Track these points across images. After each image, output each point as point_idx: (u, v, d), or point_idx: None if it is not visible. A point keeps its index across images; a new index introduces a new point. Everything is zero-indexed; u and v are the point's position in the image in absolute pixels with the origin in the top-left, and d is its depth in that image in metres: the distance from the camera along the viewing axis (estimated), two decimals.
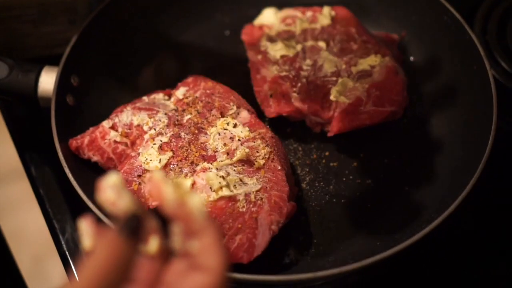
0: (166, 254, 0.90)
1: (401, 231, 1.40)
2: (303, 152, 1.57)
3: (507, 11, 1.83)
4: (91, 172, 1.48)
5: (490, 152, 1.41)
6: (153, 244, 0.88)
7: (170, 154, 1.43)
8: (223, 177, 1.36)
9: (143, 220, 0.85)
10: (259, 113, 1.60)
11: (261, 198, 1.35)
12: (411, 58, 1.73)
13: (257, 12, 1.77)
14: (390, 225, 1.44)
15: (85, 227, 0.88)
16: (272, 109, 1.56)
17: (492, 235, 1.53)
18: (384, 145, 1.58)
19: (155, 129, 1.47)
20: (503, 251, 1.51)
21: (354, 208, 1.48)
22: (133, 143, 1.48)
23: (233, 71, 1.73)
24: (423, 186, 1.50)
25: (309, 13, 1.73)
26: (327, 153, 1.57)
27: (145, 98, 1.56)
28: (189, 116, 1.50)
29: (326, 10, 1.71)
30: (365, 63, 1.57)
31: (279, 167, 1.41)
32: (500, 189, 1.59)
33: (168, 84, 1.64)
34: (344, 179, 1.52)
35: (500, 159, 1.60)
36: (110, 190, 0.88)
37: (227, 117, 1.49)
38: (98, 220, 1.25)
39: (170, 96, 1.57)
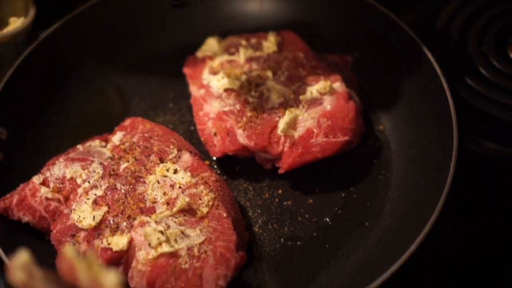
0: None
1: (363, 274, 1.28)
2: (254, 192, 1.45)
3: (467, 21, 1.72)
4: (25, 235, 1.36)
5: (452, 179, 1.31)
6: None
7: (105, 209, 1.31)
8: (162, 231, 1.24)
9: None
10: (205, 153, 1.49)
11: (206, 251, 1.23)
12: (366, 81, 1.62)
13: (201, 41, 1.66)
14: (351, 266, 1.33)
15: None
16: (217, 148, 1.45)
17: (460, 271, 1.41)
18: (342, 177, 1.47)
19: (89, 182, 1.35)
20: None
21: (311, 251, 1.36)
22: (66, 199, 1.36)
23: (177, 108, 1.62)
24: (385, 221, 1.38)
25: (254, 40, 1.62)
26: (280, 191, 1.45)
27: (79, 147, 1.44)
28: (126, 164, 1.38)
29: (272, 36, 1.60)
30: (314, 91, 1.46)
31: (225, 214, 1.29)
32: (468, 216, 1.48)
33: (107, 127, 1.52)
34: (299, 218, 1.41)
35: (468, 181, 1.49)
36: (20, 271, 0.78)
37: (167, 162, 1.38)
38: None
39: (106, 142, 1.46)
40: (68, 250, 0.83)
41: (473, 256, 1.43)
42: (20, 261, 0.79)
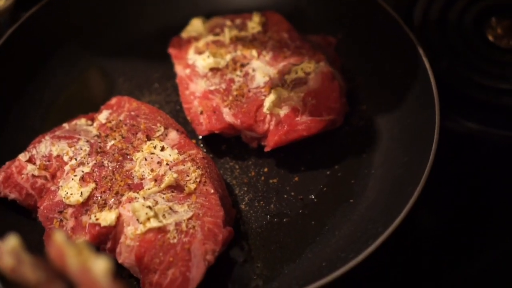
0: None
1: (347, 248, 1.30)
2: (240, 170, 1.47)
3: (447, 4, 1.76)
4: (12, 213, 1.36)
5: (435, 156, 1.33)
6: None
7: (92, 185, 1.31)
8: (150, 207, 1.24)
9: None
10: (191, 132, 1.50)
11: (194, 226, 1.25)
12: (349, 61, 1.64)
13: (185, 22, 1.67)
14: (336, 242, 1.35)
15: None
16: (203, 126, 1.46)
17: (442, 245, 1.44)
18: (326, 155, 1.49)
19: (76, 159, 1.36)
20: (452, 265, 1.42)
21: (297, 227, 1.38)
22: (53, 176, 1.36)
23: (163, 88, 1.62)
24: (369, 197, 1.41)
25: (238, 21, 1.63)
26: (265, 169, 1.47)
27: (65, 125, 1.44)
28: (112, 142, 1.38)
29: (256, 16, 1.61)
30: (299, 70, 1.48)
31: (212, 191, 1.30)
32: (448, 193, 1.51)
33: (92, 107, 1.52)
34: (285, 196, 1.42)
35: (448, 159, 1.52)
36: (9, 256, 0.78)
37: (154, 139, 1.38)
38: None
39: (93, 120, 1.46)
40: (58, 236, 0.82)
41: (453, 231, 1.46)
42: (9, 246, 0.78)
